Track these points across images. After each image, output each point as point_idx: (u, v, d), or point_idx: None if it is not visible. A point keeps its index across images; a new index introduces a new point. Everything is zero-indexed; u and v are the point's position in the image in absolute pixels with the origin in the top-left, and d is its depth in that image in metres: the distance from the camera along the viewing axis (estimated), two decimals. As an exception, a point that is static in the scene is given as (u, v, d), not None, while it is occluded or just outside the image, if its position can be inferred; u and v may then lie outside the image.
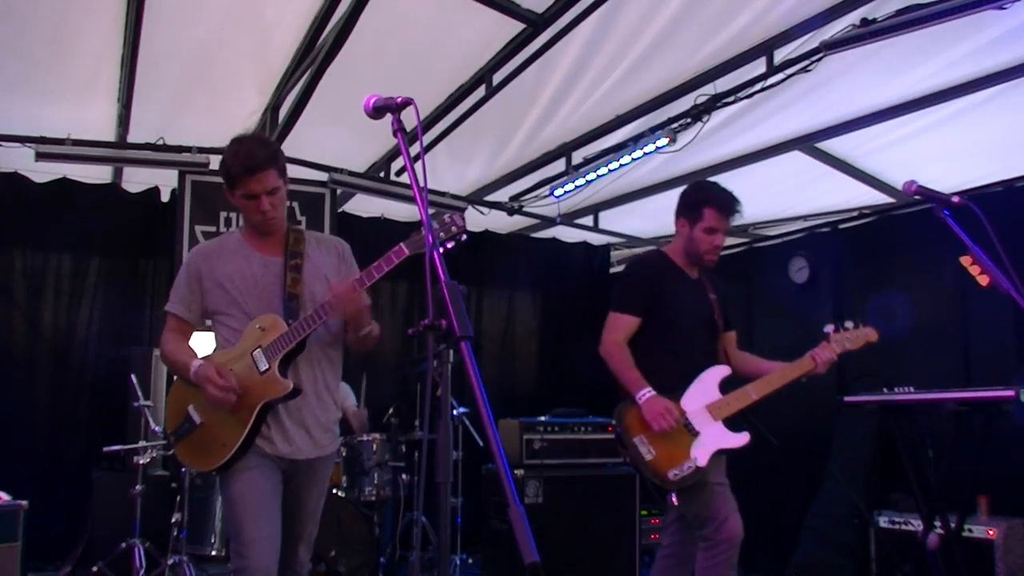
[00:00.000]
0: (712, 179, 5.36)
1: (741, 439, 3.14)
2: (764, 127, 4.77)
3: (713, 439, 3.11)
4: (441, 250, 2.48)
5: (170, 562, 4.26)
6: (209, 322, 2.78)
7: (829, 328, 3.34)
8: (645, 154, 4.86)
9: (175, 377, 2.80)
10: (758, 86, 4.12)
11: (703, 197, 3.31)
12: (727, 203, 3.30)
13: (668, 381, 3.15)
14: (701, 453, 3.09)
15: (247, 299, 2.66)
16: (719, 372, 3.24)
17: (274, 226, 2.70)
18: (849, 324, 3.35)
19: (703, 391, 3.18)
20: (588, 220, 6.62)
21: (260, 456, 2.57)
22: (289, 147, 4.89)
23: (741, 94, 4.23)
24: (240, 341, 2.63)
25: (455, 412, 4.89)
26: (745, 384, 3.23)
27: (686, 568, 3.28)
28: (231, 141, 2.67)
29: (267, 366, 2.55)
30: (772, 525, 5.09)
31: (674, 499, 3.12)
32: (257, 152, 2.57)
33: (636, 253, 7.69)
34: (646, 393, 3.10)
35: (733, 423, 3.18)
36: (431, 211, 3.28)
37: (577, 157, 5.32)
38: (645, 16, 3.81)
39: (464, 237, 2.52)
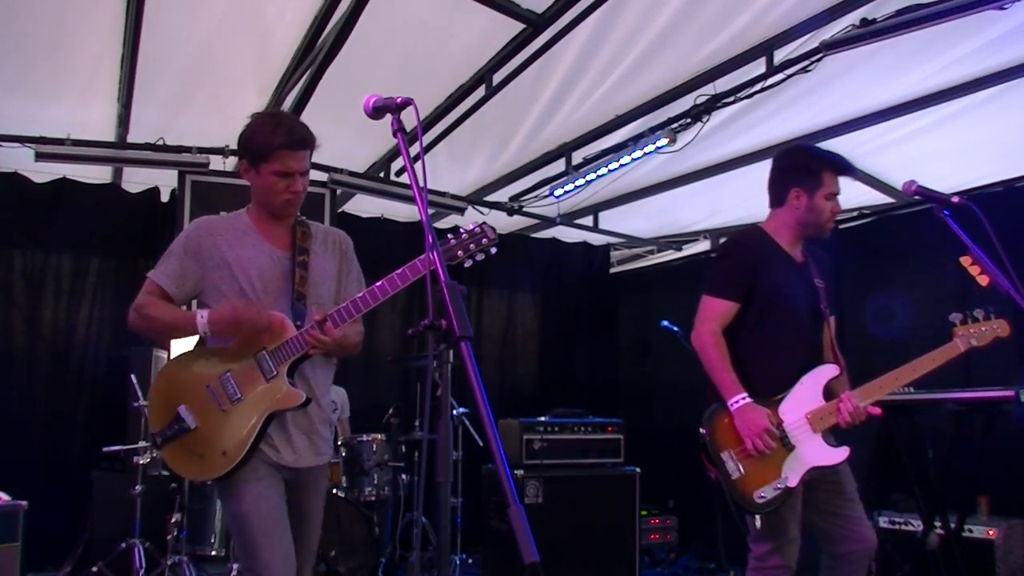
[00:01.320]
0: (712, 179, 5.45)
1: (840, 455, 2.74)
2: (764, 127, 4.77)
3: (809, 455, 2.71)
4: (470, 263, 2.36)
5: (170, 562, 4.25)
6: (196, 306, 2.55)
7: (956, 317, 2.83)
8: (645, 154, 4.86)
9: (165, 364, 2.53)
10: (758, 86, 4.11)
11: (820, 162, 2.91)
12: (845, 163, 2.94)
13: (766, 383, 2.77)
14: (793, 472, 2.68)
15: (254, 292, 2.45)
16: (825, 373, 2.81)
17: (293, 210, 2.51)
18: (979, 313, 2.81)
19: (805, 396, 2.76)
20: (588, 220, 6.62)
21: (266, 465, 2.38)
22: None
23: (741, 94, 4.23)
24: (240, 339, 2.41)
25: (455, 412, 4.89)
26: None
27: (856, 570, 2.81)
28: (258, 115, 2.51)
29: (274, 372, 2.38)
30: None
31: (757, 522, 2.70)
32: (300, 128, 2.43)
33: (635, 252, 7.71)
34: (740, 400, 2.71)
35: (834, 435, 2.81)
36: (431, 211, 3.25)
37: (577, 157, 5.32)
38: (645, 16, 3.81)
39: (494, 250, 2.37)
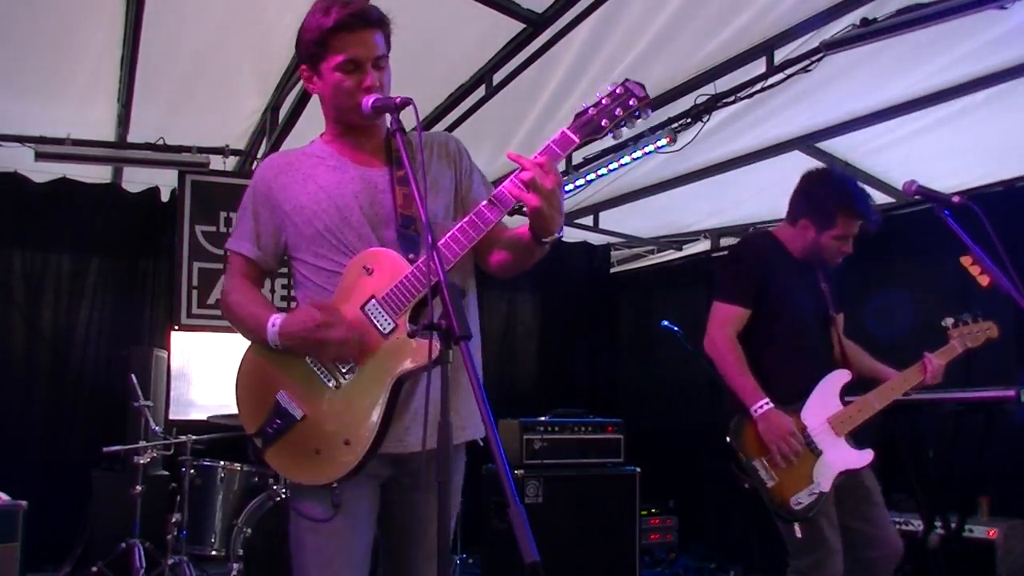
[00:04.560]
0: (712, 179, 5.45)
1: (866, 457, 2.77)
2: (764, 127, 4.76)
3: (837, 459, 2.73)
4: (624, 129, 1.87)
5: (170, 562, 4.25)
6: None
7: (948, 321, 2.93)
8: (645, 154, 4.86)
9: (248, 349, 1.99)
10: (758, 86, 4.11)
11: (839, 203, 2.85)
12: (864, 209, 2.85)
13: (784, 389, 2.75)
14: (825, 477, 2.70)
15: (344, 228, 1.92)
16: (840, 378, 2.83)
17: (374, 114, 1.92)
18: (968, 316, 2.92)
19: (824, 401, 2.78)
20: (588, 220, 6.62)
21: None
22: (289, 147, 4.90)
23: (741, 94, 4.22)
24: (339, 290, 1.89)
25: (455, 412, 4.88)
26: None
27: None
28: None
29: (393, 324, 1.82)
30: (772, 525, 5.09)
31: (799, 530, 2.67)
32: (360, 3, 1.92)
33: (635, 252, 7.71)
34: (763, 406, 2.69)
35: (856, 437, 2.83)
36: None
37: (577, 157, 5.32)
38: (645, 16, 3.81)
39: (650, 112, 1.91)
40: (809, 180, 3.00)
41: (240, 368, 1.98)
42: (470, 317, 1.99)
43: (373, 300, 1.84)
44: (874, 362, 3.03)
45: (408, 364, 1.82)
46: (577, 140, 1.84)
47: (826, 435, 2.74)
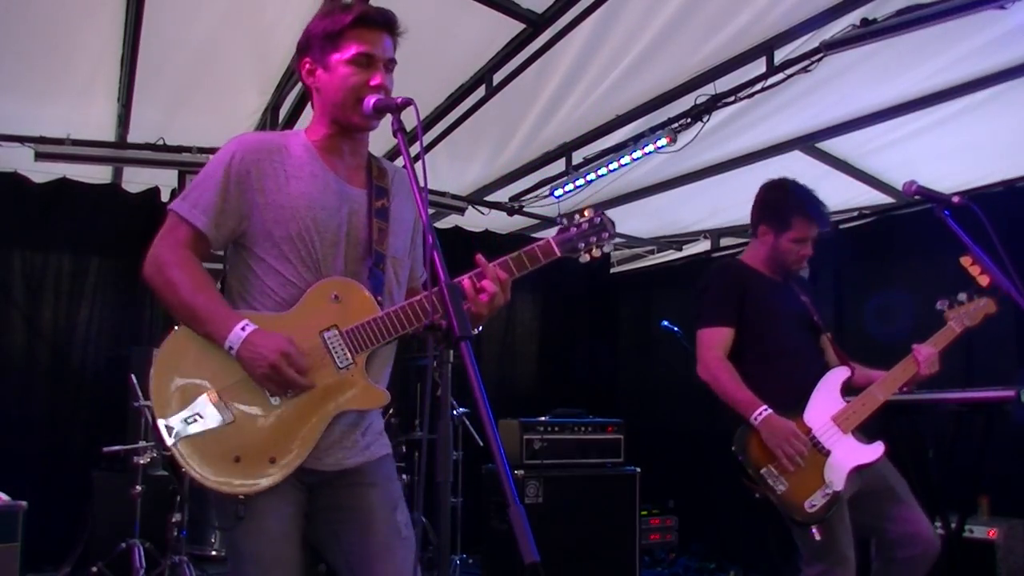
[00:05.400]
0: (712, 179, 5.45)
1: (876, 450, 2.78)
2: (764, 127, 4.77)
3: (847, 456, 2.72)
4: (587, 259, 2.05)
5: (170, 562, 4.25)
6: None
7: (942, 304, 2.91)
8: (645, 154, 4.86)
9: (175, 330, 1.85)
10: (758, 86, 4.11)
11: (792, 204, 2.94)
12: (818, 212, 2.93)
13: (783, 399, 2.75)
14: (836, 475, 2.68)
15: (318, 242, 1.87)
16: (840, 375, 2.85)
17: (375, 119, 1.91)
18: (963, 296, 2.92)
19: (826, 400, 2.79)
20: (588, 220, 6.61)
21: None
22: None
23: (741, 94, 4.22)
24: (299, 308, 1.84)
25: (455, 412, 4.89)
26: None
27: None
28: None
29: (351, 361, 1.84)
30: (771, 525, 5.09)
31: (816, 533, 2.64)
32: (377, 6, 1.90)
33: (635, 252, 7.70)
34: (762, 413, 2.70)
35: (863, 432, 2.83)
36: (431, 211, 3.21)
37: (577, 157, 5.32)
38: (645, 16, 3.81)
39: (612, 245, 2.07)
40: (766, 189, 3.10)
41: (168, 347, 1.84)
42: (386, 374, 2.01)
43: (335, 330, 1.83)
44: (868, 370, 3.00)
45: (357, 404, 1.86)
46: (559, 254, 1.98)
47: (832, 433, 2.74)
